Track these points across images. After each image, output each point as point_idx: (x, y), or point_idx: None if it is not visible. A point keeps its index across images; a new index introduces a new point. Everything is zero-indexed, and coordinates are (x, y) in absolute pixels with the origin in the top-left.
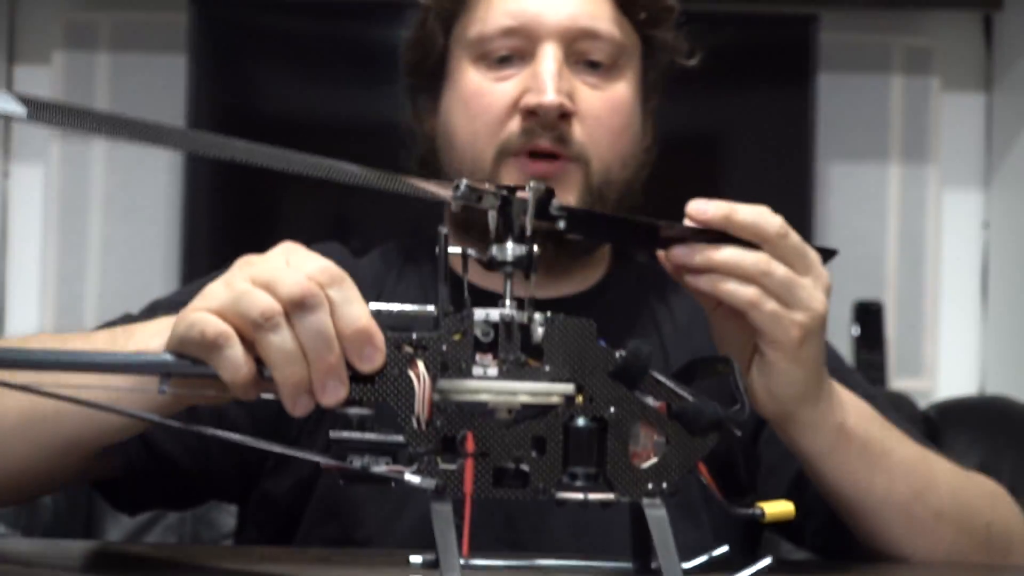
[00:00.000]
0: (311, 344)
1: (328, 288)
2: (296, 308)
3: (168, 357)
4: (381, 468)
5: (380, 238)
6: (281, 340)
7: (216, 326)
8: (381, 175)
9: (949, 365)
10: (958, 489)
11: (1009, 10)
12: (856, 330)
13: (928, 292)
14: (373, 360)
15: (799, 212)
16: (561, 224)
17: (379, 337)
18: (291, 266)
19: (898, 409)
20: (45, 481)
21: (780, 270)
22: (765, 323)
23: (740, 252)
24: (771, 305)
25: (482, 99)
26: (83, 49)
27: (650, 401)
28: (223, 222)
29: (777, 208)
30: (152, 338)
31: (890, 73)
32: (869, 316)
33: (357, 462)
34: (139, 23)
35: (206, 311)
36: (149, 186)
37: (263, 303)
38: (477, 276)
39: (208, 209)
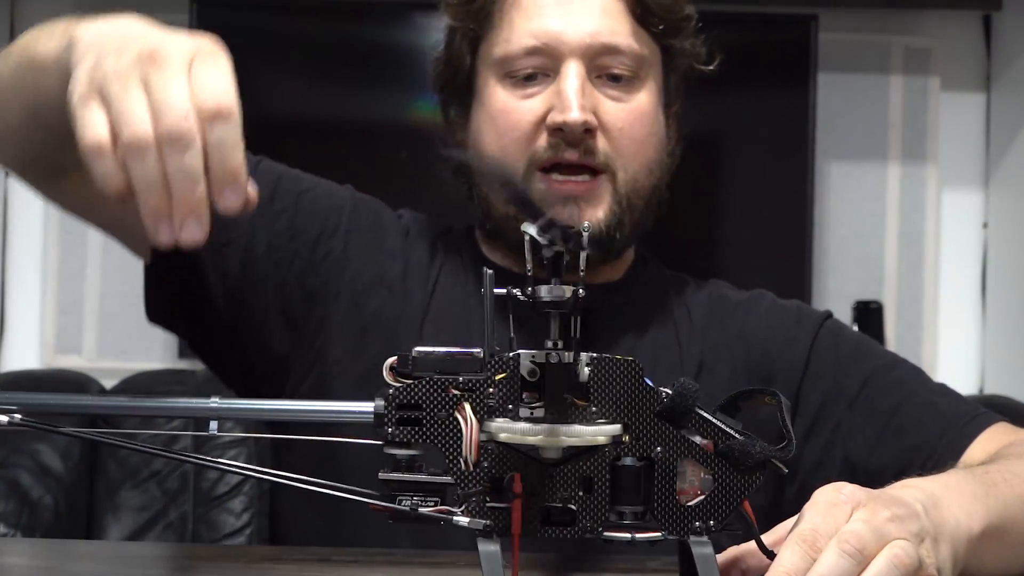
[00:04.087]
0: (175, 180)
1: (211, 123)
2: (169, 143)
3: (216, 403)
4: (429, 509)
5: None
6: (145, 169)
7: (94, 135)
8: None
9: (948, 365)
10: None
11: (1008, 10)
12: (856, 330)
13: (928, 292)
14: (233, 202)
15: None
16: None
17: (243, 180)
18: (190, 85)
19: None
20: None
21: None
22: None
23: None
24: None
25: (509, 116)
26: None
27: (697, 439)
28: None
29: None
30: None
31: (890, 73)
32: (869, 316)
33: (406, 502)
34: None
35: (94, 103)
36: None
37: (138, 129)
38: (509, 261)
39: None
